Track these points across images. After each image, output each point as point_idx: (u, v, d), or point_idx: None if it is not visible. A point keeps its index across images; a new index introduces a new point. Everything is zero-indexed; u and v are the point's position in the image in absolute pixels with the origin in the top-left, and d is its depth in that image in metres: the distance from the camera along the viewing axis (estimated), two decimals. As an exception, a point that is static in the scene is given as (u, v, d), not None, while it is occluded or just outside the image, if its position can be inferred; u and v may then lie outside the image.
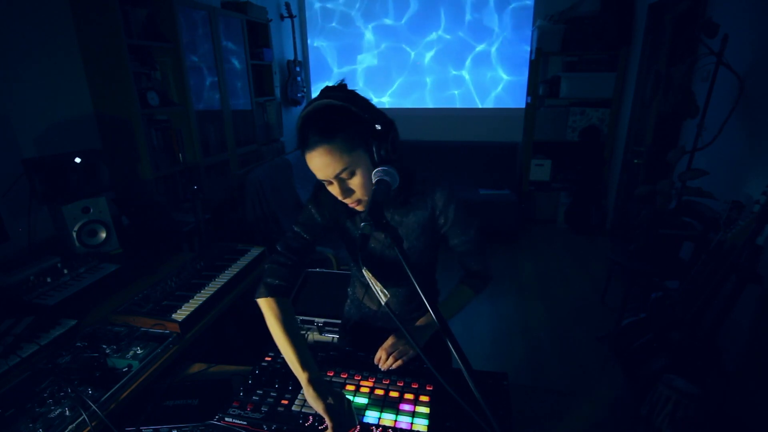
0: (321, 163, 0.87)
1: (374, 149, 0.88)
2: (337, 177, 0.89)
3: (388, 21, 4.69)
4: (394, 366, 1.04)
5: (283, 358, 1.10)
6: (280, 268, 1.05)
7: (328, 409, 0.86)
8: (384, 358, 1.04)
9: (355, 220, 1.09)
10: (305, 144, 0.87)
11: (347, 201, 0.94)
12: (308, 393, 0.89)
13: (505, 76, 4.65)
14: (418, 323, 1.12)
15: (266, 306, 1.02)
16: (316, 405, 0.87)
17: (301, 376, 0.92)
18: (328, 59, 4.96)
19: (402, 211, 1.06)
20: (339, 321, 1.45)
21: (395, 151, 0.90)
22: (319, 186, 1.01)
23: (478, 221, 1.12)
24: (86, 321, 1.34)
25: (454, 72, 4.73)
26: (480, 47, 4.59)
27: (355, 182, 0.90)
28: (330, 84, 0.92)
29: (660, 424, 1.53)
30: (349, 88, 0.92)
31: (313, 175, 0.93)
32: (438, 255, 1.20)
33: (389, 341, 1.07)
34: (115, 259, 1.80)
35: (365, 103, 0.90)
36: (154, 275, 1.69)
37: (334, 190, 0.93)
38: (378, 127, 0.87)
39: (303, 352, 0.96)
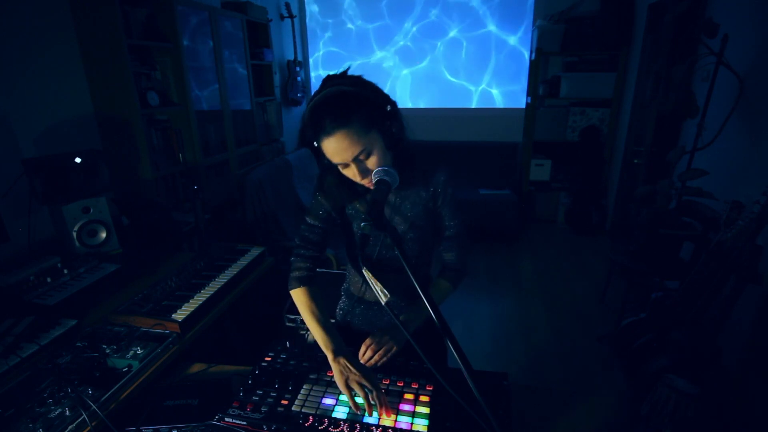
0: (339, 148, 0.90)
1: (387, 129, 0.94)
2: (355, 159, 0.93)
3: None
4: (379, 364, 1.04)
5: (282, 358, 1.12)
6: (304, 260, 1.15)
7: (348, 388, 0.93)
8: (368, 356, 1.04)
9: (355, 206, 1.11)
10: (322, 130, 0.90)
11: (364, 182, 0.97)
12: (333, 369, 0.98)
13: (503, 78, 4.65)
14: (401, 318, 1.10)
15: (297, 296, 1.13)
16: (338, 381, 0.96)
17: (328, 354, 1.01)
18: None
19: (405, 187, 1.09)
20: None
21: (403, 129, 0.98)
22: (322, 174, 1.06)
23: (465, 217, 1.15)
24: (86, 321, 1.34)
25: (452, 74, 4.74)
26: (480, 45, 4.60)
27: (372, 162, 0.94)
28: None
29: (660, 424, 1.54)
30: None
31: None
32: (434, 245, 1.20)
33: (375, 338, 1.06)
34: (115, 259, 1.80)
35: (372, 86, 0.95)
36: (154, 275, 1.69)
37: (349, 172, 0.97)
38: (388, 107, 0.93)
39: (330, 332, 1.05)
